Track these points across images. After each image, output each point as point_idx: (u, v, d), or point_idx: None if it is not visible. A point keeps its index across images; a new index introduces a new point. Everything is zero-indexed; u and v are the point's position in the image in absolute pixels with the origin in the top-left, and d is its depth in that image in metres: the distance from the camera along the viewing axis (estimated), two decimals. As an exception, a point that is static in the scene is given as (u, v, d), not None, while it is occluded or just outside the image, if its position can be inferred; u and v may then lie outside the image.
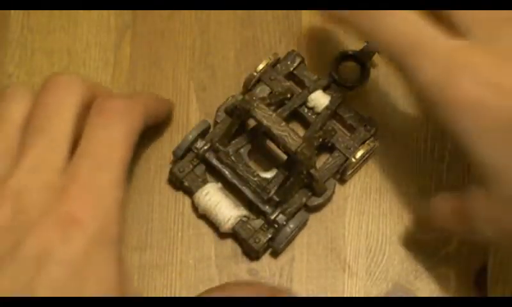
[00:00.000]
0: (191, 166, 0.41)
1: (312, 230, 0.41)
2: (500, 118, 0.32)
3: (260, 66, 0.42)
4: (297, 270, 0.41)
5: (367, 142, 0.41)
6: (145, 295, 0.40)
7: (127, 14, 0.44)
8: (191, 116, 0.43)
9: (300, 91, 0.42)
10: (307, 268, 0.41)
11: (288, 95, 0.42)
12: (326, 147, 0.41)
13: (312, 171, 0.39)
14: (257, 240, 0.40)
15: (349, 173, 0.41)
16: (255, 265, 0.41)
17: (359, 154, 0.41)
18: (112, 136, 0.35)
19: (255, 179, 0.40)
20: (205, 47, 0.44)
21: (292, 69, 0.42)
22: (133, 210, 0.41)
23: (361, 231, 0.42)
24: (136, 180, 0.42)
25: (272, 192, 0.40)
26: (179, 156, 0.41)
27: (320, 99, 0.42)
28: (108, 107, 0.36)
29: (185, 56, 0.44)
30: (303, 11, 0.44)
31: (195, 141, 0.41)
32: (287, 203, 0.40)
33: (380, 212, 0.42)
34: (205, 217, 0.41)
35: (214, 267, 0.41)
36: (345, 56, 0.42)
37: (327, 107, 0.41)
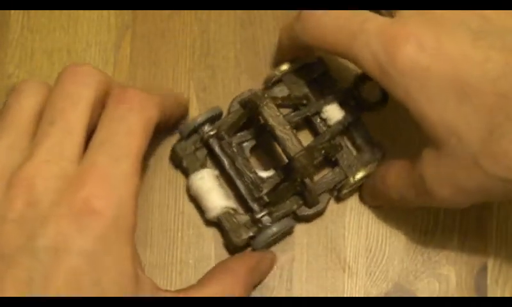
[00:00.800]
0: (193, 148, 0.41)
1: (312, 230, 0.41)
2: (446, 79, 0.33)
3: (284, 67, 0.41)
4: (297, 270, 0.41)
5: (370, 165, 0.41)
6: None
7: (127, 14, 0.44)
8: (191, 116, 0.43)
9: (317, 100, 0.42)
10: (307, 268, 0.41)
11: (304, 101, 0.41)
12: (330, 161, 0.41)
13: (307, 180, 0.39)
14: (238, 235, 0.39)
15: (345, 191, 0.41)
16: (255, 265, 0.41)
17: (359, 175, 0.40)
18: (129, 126, 0.35)
19: (251, 175, 0.40)
20: (205, 47, 0.44)
21: (315, 76, 0.42)
22: (133, 210, 0.41)
23: (361, 231, 0.42)
24: (136, 180, 0.42)
25: (264, 191, 0.40)
26: (184, 135, 0.41)
27: (334, 112, 0.41)
28: (126, 97, 0.35)
29: (185, 56, 0.44)
30: (303, 11, 0.44)
31: (203, 124, 0.41)
32: (277, 206, 0.40)
33: (380, 212, 0.42)
34: (195, 201, 0.41)
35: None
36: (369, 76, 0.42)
37: (339, 122, 0.41)
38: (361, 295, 0.41)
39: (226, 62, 0.44)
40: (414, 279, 0.41)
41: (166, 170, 0.42)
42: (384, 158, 0.41)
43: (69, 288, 0.32)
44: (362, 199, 0.42)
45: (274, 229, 0.39)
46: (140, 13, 0.44)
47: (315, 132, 0.42)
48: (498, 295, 0.41)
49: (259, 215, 0.39)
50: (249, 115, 0.40)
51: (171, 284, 0.41)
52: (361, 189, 0.41)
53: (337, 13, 0.37)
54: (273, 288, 0.41)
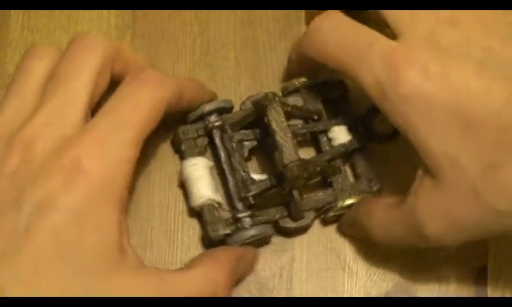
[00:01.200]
0: (196, 134, 0.41)
1: (312, 230, 0.41)
2: (449, 109, 0.33)
3: (302, 79, 0.41)
4: (297, 270, 0.41)
5: (363, 196, 0.40)
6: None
7: (127, 14, 0.44)
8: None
9: (329, 119, 0.42)
10: (307, 268, 0.41)
11: (315, 117, 0.41)
12: (325, 182, 0.41)
13: (295, 192, 0.38)
14: (215, 229, 0.39)
15: (330, 214, 0.40)
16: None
17: (347, 202, 0.40)
18: (137, 100, 0.35)
19: (243, 174, 0.40)
20: (205, 47, 0.44)
21: (332, 96, 0.42)
22: (133, 210, 0.41)
23: (361, 231, 0.42)
24: (136, 180, 0.42)
25: (251, 193, 0.39)
26: (189, 120, 0.41)
27: (340, 134, 0.41)
28: (141, 76, 0.36)
29: (185, 56, 0.44)
30: (303, 11, 0.44)
31: (211, 113, 0.40)
32: (260, 210, 0.40)
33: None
34: (183, 187, 0.41)
35: (214, 267, 0.41)
36: None
37: (343, 145, 0.41)
38: (361, 295, 0.41)
39: (226, 62, 0.44)
40: (414, 279, 0.41)
41: (167, 170, 0.42)
42: (379, 193, 0.41)
43: (50, 243, 0.32)
44: (340, 227, 0.41)
45: (252, 232, 0.39)
46: (140, 13, 0.44)
47: (318, 149, 0.42)
48: (498, 295, 0.41)
49: (240, 215, 0.39)
50: (256, 115, 0.40)
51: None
52: (341, 217, 0.41)
53: (345, 30, 0.36)
54: (273, 288, 0.41)
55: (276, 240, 0.41)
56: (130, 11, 0.44)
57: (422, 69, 0.33)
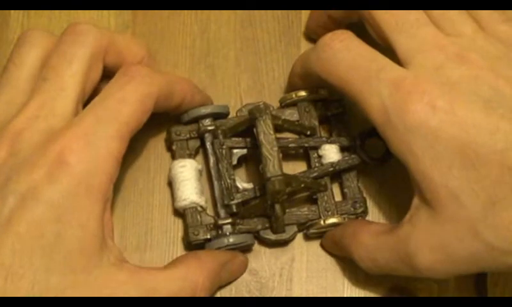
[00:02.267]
0: (188, 136, 0.41)
1: (312, 230, 0.42)
2: (454, 144, 0.33)
3: (302, 93, 0.41)
4: (297, 270, 0.41)
5: (346, 216, 0.40)
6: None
7: (127, 14, 0.44)
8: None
9: (323, 136, 0.41)
10: (307, 268, 0.41)
11: (308, 132, 0.41)
12: (311, 198, 0.41)
13: (277, 206, 0.38)
14: (196, 233, 0.39)
15: (312, 231, 0.40)
16: (254, 264, 0.41)
17: (330, 221, 0.40)
18: (124, 94, 0.35)
19: (229, 181, 0.40)
20: (205, 47, 0.44)
21: (329, 114, 0.42)
22: (133, 210, 0.41)
23: (361, 231, 0.42)
24: (136, 180, 0.42)
25: (235, 201, 0.39)
26: (183, 120, 0.41)
27: (331, 153, 0.41)
28: (130, 70, 0.36)
29: (185, 56, 0.44)
30: (303, 11, 0.44)
31: (206, 116, 0.40)
32: (243, 220, 0.39)
33: (380, 212, 0.42)
34: (170, 186, 0.41)
35: (214, 267, 0.41)
36: (378, 133, 0.41)
37: (332, 164, 0.40)
38: (361, 295, 0.41)
39: (226, 62, 0.44)
40: (414, 279, 0.41)
41: (167, 170, 0.42)
42: (364, 216, 0.41)
43: (30, 235, 0.32)
44: (322, 243, 0.41)
45: (231, 240, 0.39)
46: (140, 13, 0.44)
47: (309, 165, 0.41)
48: (498, 295, 0.41)
49: (222, 222, 0.39)
50: (249, 124, 0.40)
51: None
52: (325, 234, 0.41)
53: (355, 52, 0.36)
54: (273, 288, 0.41)
55: (276, 240, 0.41)
56: (130, 11, 0.44)
57: (431, 103, 0.33)
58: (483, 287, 0.41)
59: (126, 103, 0.35)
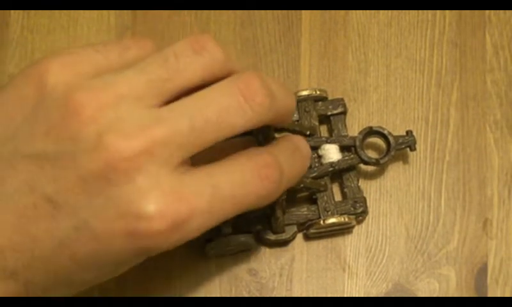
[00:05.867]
0: None
1: (312, 230, 0.42)
2: None
3: (302, 93, 0.41)
4: (297, 270, 0.41)
5: (345, 216, 0.40)
6: (146, 296, 0.40)
7: (126, 14, 0.44)
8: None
9: (322, 136, 0.41)
10: (307, 268, 0.41)
11: (308, 132, 0.41)
12: (311, 198, 0.41)
13: (276, 206, 0.38)
14: None
15: (312, 231, 0.40)
16: (254, 265, 0.41)
17: (330, 221, 0.40)
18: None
19: None
20: (205, 47, 0.44)
21: (329, 113, 0.42)
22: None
23: (361, 231, 0.42)
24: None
25: None
26: None
27: (331, 153, 0.41)
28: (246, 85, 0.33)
29: (185, 56, 0.44)
30: (303, 11, 0.44)
31: None
32: (243, 220, 0.39)
33: (380, 212, 0.42)
34: None
35: (213, 267, 0.41)
36: (377, 132, 0.41)
37: (331, 164, 0.41)
38: (361, 295, 0.41)
39: (226, 62, 0.44)
40: (414, 279, 0.41)
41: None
42: (364, 216, 0.41)
43: None
44: None
45: (231, 240, 0.39)
46: (140, 13, 0.44)
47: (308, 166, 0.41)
48: (498, 295, 0.41)
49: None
50: None
51: (171, 284, 0.41)
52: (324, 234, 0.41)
53: None
54: (273, 288, 0.41)
55: (276, 240, 0.41)
56: (130, 11, 0.44)
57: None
58: (483, 286, 0.41)
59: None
